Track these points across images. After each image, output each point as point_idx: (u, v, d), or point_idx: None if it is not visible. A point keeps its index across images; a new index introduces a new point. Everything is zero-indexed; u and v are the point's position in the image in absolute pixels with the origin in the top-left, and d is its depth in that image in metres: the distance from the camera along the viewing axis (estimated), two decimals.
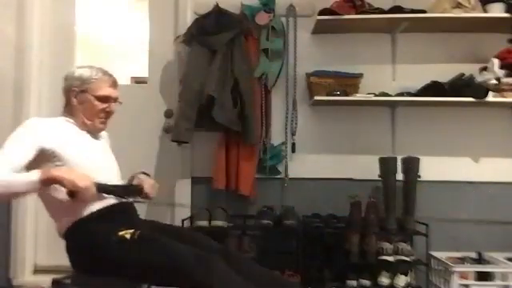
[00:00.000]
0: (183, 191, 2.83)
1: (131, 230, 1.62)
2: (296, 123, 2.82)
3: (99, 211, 1.71)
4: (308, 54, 2.83)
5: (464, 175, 2.77)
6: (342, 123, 2.84)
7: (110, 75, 1.86)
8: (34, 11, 2.91)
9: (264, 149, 2.77)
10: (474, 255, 2.64)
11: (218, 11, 2.75)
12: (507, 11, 2.57)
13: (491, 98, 2.55)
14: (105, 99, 1.82)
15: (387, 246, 2.55)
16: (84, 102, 1.80)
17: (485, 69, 2.64)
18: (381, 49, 2.83)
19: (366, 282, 2.51)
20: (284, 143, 2.81)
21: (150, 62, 2.99)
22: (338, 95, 2.62)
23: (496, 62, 2.59)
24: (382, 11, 2.62)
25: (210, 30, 2.70)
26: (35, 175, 1.54)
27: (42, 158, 1.66)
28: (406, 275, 2.52)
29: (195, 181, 2.83)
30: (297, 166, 2.81)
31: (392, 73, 2.82)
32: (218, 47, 2.66)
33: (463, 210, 2.75)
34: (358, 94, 2.64)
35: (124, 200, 1.80)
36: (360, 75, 2.72)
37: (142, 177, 1.92)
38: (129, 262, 1.60)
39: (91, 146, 1.85)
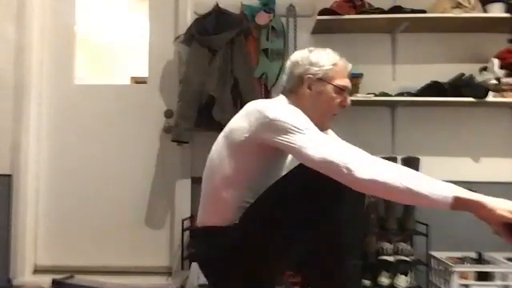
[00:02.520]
0: (183, 191, 2.83)
1: None
2: None
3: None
4: None
5: (464, 175, 2.76)
6: (341, 123, 2.83)
7: (346, 61, 1.61)
8: (34, 11, 2.91)
9: None
10: (474, 255, 2.63)
11: (218, 11, 2.75)
12: (507, 11, 2.57)
13: (491, 98, 2.54)
14: (342, 90, 1.57)
15: (387, 245, 2.55)
16: (320, 94, 1.55)
17: (485, 69, 2.64)
18: (381, 49, 2.83)
19: (366, 282, 2.51)
20: None
21: (150, 62, 2.99)
22: None
23: (496, 62, 2.59)
24: (382, 11, 2.62)
25: (210, 30, 2.70)
26: (449, 191, 1.19)
27: (254, 151, 1.46)
28: (406, 275, 2.52)
29: (195, 181, 2.82)
30: None
31: (392, 73, 2.82)
32: (218, 47, 2.66)
33: None
34: (358, 94, 2.64)
35: None
36: (360, 75, 2.72)
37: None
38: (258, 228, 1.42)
39: None
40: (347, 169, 1.24)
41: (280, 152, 1.44)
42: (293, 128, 1.35)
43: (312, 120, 1.45)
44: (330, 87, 1.55)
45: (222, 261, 1.49)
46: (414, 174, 1.25)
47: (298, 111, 1.44)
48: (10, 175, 2.86)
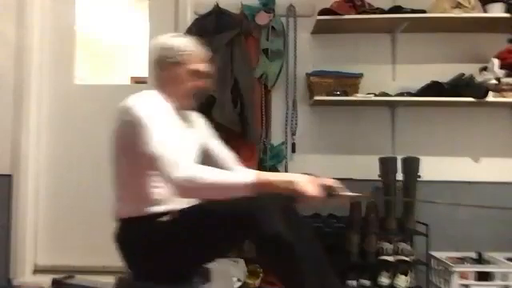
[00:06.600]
0: None
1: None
2: (296, 123, 2.82)
3: (165, 212, 1.58)
4: (308, 54, 2.83)
5: (464, 175, 2.76)
6: (342, 123, 2.84)
7: (204, 49, 1.70)
8: (34, 11, 2.91)
9: (264, 149, 2.77)
10: (474, 255, 2.63)
11: (218, 11, 2.75)
12: (507, 11, 2.57)
13: (491, 98, 2.55)
14: (197, 74, 1.67)
15: (387, 245, 2.55)
16: (176, 76, 1.65)
17: (485, 69, 2.64)
18: (381, 49, 2.83)
19: (366, 282, 2.52)
20: (284, 143, 2.81)
21: (150, 62, 2.98)
22: (338, 95, 2.62)
23: (496, 62, 2.59)
24: (382, 11, 2.62)
25: (210, 29, 2.70)
26: (249, 177, 1.37)
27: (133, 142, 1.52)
28: (406, 275, 2.52)
29: None
30: (297, 166, 2.81)
31: (392, 73, 2.83)
32: (218, 47, 2.66)
33: (463, 210, 2.75)
34: (358, 94, 2.64)
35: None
36: (360, 75, 2.72)
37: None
38: (185, 233, 1.49)
39: (184, 135, 1.68)
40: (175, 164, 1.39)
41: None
42: (141, 121, 1.50)
43: (173, 100, 1.66)
44: (184, 70, 1.65)
45: (151, 247, 1.57)
46: (225, 174, 1.42)
47: (152, 102, 1.57)
48: (10, 175, 2.86)
